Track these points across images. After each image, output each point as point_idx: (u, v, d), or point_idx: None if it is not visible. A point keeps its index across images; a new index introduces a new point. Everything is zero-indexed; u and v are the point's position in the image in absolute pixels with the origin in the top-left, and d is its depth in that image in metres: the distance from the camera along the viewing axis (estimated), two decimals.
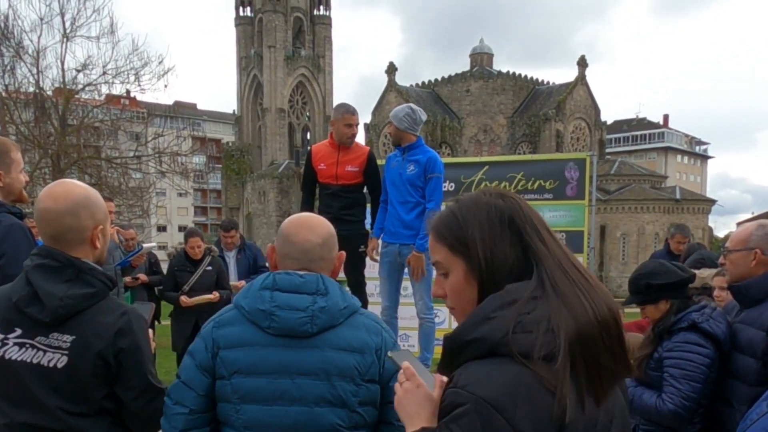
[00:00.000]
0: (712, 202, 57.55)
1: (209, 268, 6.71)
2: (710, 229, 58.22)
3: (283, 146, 73.76)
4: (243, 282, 7.01)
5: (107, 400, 2.01)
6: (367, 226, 5.60)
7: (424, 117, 5.13)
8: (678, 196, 53.94)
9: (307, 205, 5.57)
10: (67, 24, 18.38)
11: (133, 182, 19.93)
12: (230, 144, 77.40)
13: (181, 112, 69.49)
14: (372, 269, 5.72)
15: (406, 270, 5.28)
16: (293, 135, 76.29)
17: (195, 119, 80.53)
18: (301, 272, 1.92)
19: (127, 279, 7.17)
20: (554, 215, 7.32)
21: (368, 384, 1.87)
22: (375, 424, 1.93)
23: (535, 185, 7.32)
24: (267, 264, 7.66)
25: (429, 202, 5.05)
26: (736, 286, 2.85)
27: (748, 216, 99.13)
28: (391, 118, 5.11)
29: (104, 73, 18.14)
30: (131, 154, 20.00)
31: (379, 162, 5.67)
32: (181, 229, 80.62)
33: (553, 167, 7.41)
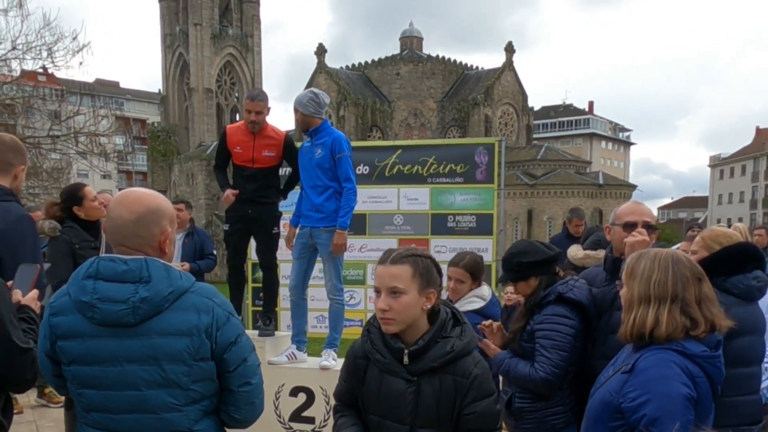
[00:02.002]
0: (633, 187, 59.92)
1: None
2: None
3: (211, 127, 72.21)
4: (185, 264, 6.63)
5: None
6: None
7: (327, 100, 5.19)
8: (601, 181, 55.90)
9: (224, 184, 5.47)
10: None
11: (49, 163, 19.14)
12: (156, 125, 75.30)
13: (103, 90, 67.14)
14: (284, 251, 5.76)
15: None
16: (221, 116, 74.77)
17: (118, 98, 78.03)
18: (125, 257, 1.95)
19: None
20: (465, 198, 7.52)
21: (200, 362, 1.93)
22: (217, 392, 2.04)
23: (447, 169, 7.48)
24: (214, 252, 7.43)
25: (346, 181, 5.05)
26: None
27: (668, 201, 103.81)
28: (296, 104, 5.11)
29: (14, 48, 17.28)
30: (45, 133, 19.15)
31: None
32: None
33: (463, 152, 7.58)
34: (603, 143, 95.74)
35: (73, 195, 4.69)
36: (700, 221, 69.20)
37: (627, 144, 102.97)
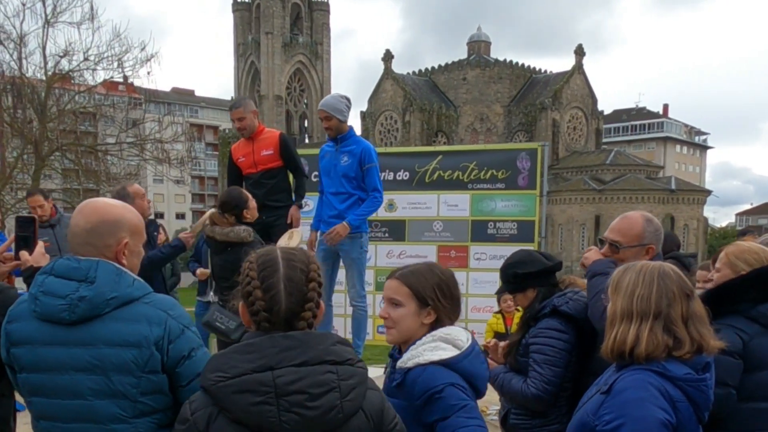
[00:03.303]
0: (708, 192, 57.57)
1: None
2: (705, 220, 58.31)
3: None
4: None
5: None
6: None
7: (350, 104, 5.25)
8: (673, 187, 53.95)
9: None
10: (49, 10, 18.38)
11: (116, 168, 19.88)
12: (227, 131, 77.40)
13: (179, 99, 69.46)
14: None
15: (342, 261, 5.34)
16: (291, 122, 76.20)
17: (192, 106, 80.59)
18: (81, 257, 1.95)
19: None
20: (506, 205, 7.31)
21: (149, 375, 1.90)
22: (172, 406, 1.98)
23: (488, 175, 7.29)
24: None
25: (374, 191, 5.11)
26: None
27: (748, 207, 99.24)
28: (330, 110, 5.03)
29: (86, 59, 18.11)
30: (116, 140, 19.92)
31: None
32: (178, 216, 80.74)
33: (505, 157, 7.37)
34: (677, 147, 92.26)
35: (241, 199, 4.49)
36: None
37: (703, 148, 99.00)
